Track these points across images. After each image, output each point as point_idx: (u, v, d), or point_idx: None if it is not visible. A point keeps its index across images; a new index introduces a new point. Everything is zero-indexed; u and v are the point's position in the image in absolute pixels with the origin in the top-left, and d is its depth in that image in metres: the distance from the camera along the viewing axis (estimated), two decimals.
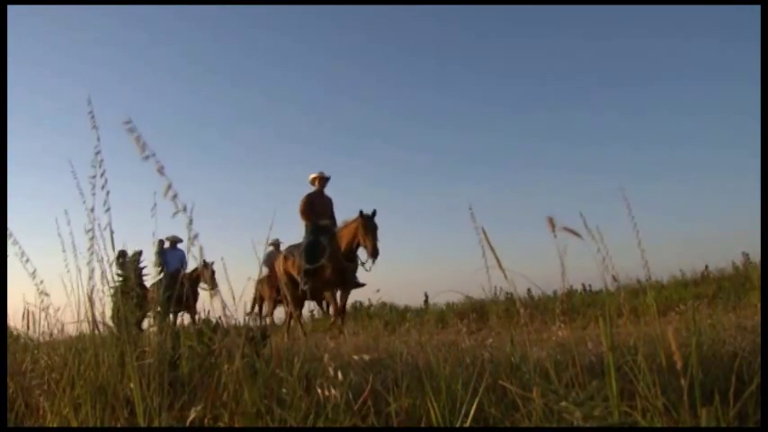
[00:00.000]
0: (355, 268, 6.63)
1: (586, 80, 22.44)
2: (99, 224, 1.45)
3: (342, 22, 23.47)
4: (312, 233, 6.96)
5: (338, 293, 6.92)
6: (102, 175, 1.32)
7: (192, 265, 10.69)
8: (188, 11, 21.82)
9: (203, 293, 10.03)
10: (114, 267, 1.69)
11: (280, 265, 7.56)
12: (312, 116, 26.12)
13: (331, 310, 10.43)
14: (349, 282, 6.72)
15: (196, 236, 0.95)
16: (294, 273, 7.09)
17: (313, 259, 6.75)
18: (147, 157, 0.93)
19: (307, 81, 24.94)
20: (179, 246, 10.94)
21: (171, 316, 10.42)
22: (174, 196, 0.92)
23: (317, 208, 7.15)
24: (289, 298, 7.47)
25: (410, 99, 25.22)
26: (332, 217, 7.19)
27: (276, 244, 11.06)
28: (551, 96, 23.72)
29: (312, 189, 7.28)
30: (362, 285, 6.76)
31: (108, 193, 1.33)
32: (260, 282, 11.06)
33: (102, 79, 22.85)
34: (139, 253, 1.73)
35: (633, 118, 21.79)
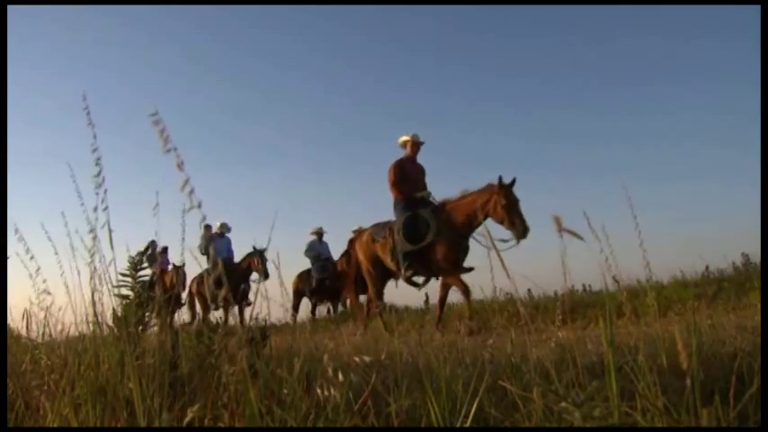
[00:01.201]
0: (467, 250, 5.38)
1: (586, 80, 22.45)
2: (96, 223, 1.43)
3: (342, 22, 23.48)
4: (407, 208, 5.67)
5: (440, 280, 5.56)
6: (99, 173, 1.30)
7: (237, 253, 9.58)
8: (188, 11, 21.82)
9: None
10: (126, 263, 1.68)
11: (363, 249, 6.20)
12: (312, 116, 26.13)
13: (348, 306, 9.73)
14: (461, 265, 5.30)
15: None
16: (386, 257, 5.80)
17: (415, 238, 5.39)
18: (168, 151, 0.92)
19: (306, 81, 24.96)
20: (227, 233, 9.91)
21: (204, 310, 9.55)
22: (191, 192, 0.91)
23: (409, 177, 5.85)
24: (371, 287, 6.19)
25: (411, 99, 25.24)
26: (425, 189, 5.91)
27: (320, 233, 10.39)
28: (552, 97, 23.73)
29: (403, 154, 6.03)
30: (470, 270, 5.35)
31: (106, 191, 1.31)
32: (299, 276, 10.46)
33: (103, 79, 22.88)
34: (141, 254, 1.71)
35: (633, 118, 21.80)
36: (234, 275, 8.90)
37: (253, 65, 26.00)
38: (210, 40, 25.24)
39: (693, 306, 3.79)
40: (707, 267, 6.74)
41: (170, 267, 9.87)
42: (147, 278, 1.70)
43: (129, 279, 1.70)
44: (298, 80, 25.88)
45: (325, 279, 9.99)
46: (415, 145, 5.98)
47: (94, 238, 1.43)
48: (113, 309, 1.61)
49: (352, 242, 6.72)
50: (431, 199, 5.78)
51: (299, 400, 1.22)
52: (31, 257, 1.63)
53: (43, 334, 2.02)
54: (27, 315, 2.00)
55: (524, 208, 5.03)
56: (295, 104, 27.07)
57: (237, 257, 9.73)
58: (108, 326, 1.54)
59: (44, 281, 1.67)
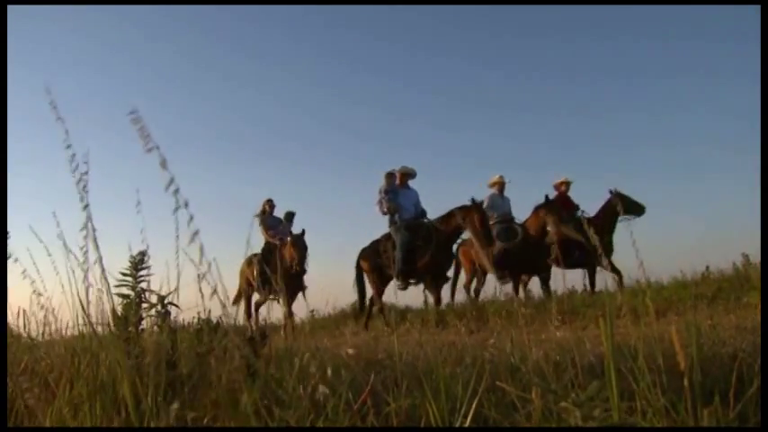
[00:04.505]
0: None
1: (585, 80, 22.44)
2: (87, 223, 1.40)
3: (341, 21, 23.48)
4: None
5: None
6: (75, 169, 1.25)
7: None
8: (187, 11, 21.83)
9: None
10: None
11: None
12: (310, 115, 26.15)
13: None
14: None
15: (197, 233, 0.92)
16: None
17: None
18: (150, 150, 0.90)
19: (305, 80, 24.98)
20: (410, 183, 6.94)
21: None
22: (176, 191, 0.89)
23: None
24: None
25: (410, 99, 25.24)
26: None
27: (501, 182, 7.62)
28: (552, 97, 23.72)
29: None
30: None
31: (85, 187, 1.26)
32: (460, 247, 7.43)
33: (103, 79, 22.92)
34: (143, 253, 1.70)
35: (633, 118, 21.79)
36: (434, 240, 6.24)
37: (251, 64, 26.01)
38: (212, 39, 25.27)
39: (694, 306, 3.79)
40: (707, 267, 6.74)
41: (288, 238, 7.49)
42: (256, 253, 1.62)
43: (129, 279, 1.69)
44: (296, 79, 25.89)
45: (511, 248, 6.99)
46: None
47: (86, 236, 1.40)
48: (113, 308, 1.60)
49: None
50: None
51: (298, 400, 1.21)
52: (15, 260, 1.61)
53: (43, 333, 2.02)
54: (24, 314, 1.99)
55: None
56: (296, 104, 27.10)
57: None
58: (105, 325, 1.53)
59: (32, 282, 1.66)
